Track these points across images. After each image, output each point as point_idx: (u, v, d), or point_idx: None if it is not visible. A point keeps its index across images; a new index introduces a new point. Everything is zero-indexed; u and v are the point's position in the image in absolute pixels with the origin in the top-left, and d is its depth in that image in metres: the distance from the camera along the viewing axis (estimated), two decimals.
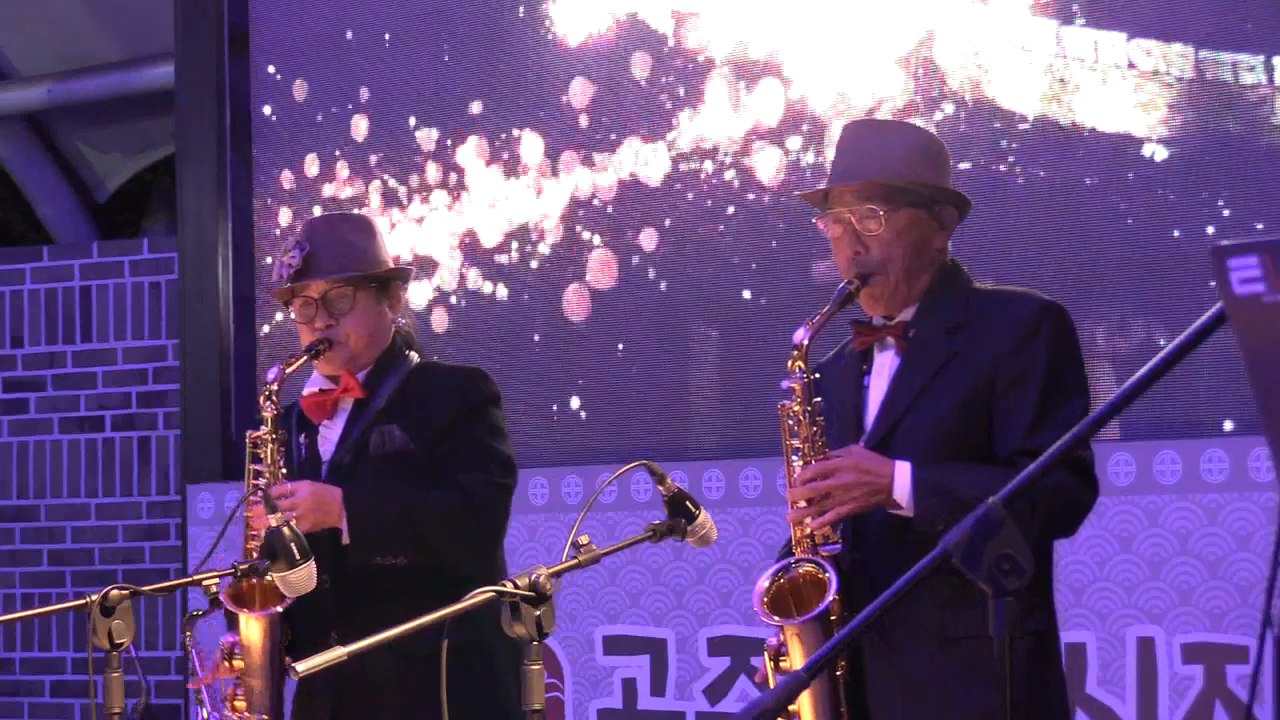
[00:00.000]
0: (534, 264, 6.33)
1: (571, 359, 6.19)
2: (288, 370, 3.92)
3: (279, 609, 3.77)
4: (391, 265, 4.08)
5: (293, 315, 4.07)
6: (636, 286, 6.10)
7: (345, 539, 3.87)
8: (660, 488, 3.39)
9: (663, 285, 6.04)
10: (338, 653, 2.92)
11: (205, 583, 3.45)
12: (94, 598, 3.30)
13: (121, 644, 3.30)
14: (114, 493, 7.45)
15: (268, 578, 3.54)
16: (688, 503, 3.40)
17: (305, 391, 4.08)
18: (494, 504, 3.94)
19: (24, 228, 8.62)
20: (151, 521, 7.37)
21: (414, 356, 4.09)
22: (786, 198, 5.80)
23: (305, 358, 3.95)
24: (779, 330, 5.80)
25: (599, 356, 6.13)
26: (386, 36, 6.66)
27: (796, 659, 3.32)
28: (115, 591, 3.31)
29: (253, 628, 3.79)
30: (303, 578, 3.45)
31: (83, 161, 8.41)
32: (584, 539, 3.17)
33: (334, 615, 3.82)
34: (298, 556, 3.43)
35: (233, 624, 3.88)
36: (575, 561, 3.14)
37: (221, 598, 3.78)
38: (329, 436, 4.04)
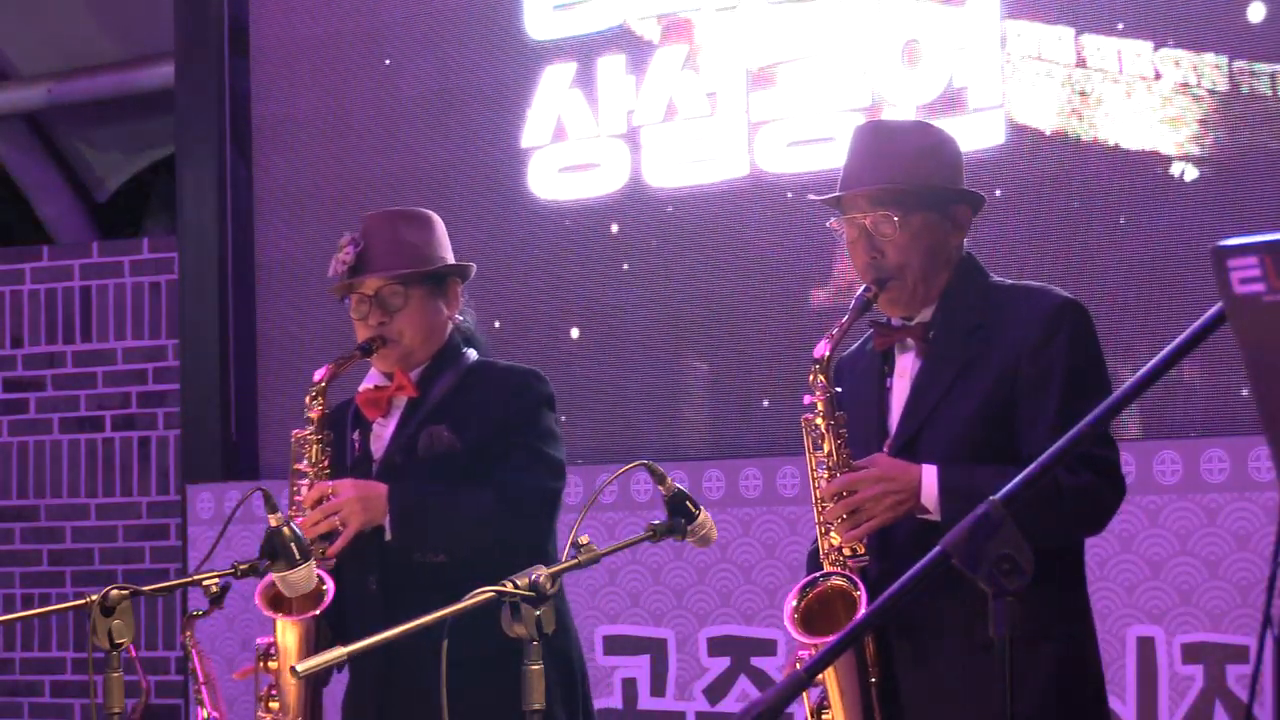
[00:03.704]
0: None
1: (570, 358, 6.18)
2: (338, 369, 3.89)
3: (315, 613, 3.74)
4: (449, 262, 4.03)
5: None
6: (636, 287, 6.10)
7: (388, 535, 3.85)
8: (660, 488, 3.39)
9: (663, 286, 6.05)
10: (338, 652, 2.92)
11: (205, 583, 3.44)
12: (94, 598, 3.30)
13: (121, 644, 3.29)
14: (114, 493, 7.45)
15: (267, 577, 3.54)
16: (688, 503, 3.40)
17: (361, 388, 4.04)
18: (537, 507, 3.89)
19: (24, 228, 8.61)
20: (151, 521, 7.37)
21: (471, 354, 4.04)
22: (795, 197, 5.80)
23: (358, 355, 3.92)
24: (779, 330, 5.80)
25: (597, 355, 6.13)
26: (385, 36, 6.66)
27: (829, 673, 3.34)
28: (115, 591, 3.30)
29: (289, 633, 3.77)
30: (302, 577, 3.44)
31: (83, 161, 8.40)
32: (584, 539, 3.17)
33: (381, 614, 3.74)
34: (297, 556, 3.43)
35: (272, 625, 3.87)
36: (575, 561, 3.14)
37: (257, 602, 3.76)
38: (382, 435, 4.00)
